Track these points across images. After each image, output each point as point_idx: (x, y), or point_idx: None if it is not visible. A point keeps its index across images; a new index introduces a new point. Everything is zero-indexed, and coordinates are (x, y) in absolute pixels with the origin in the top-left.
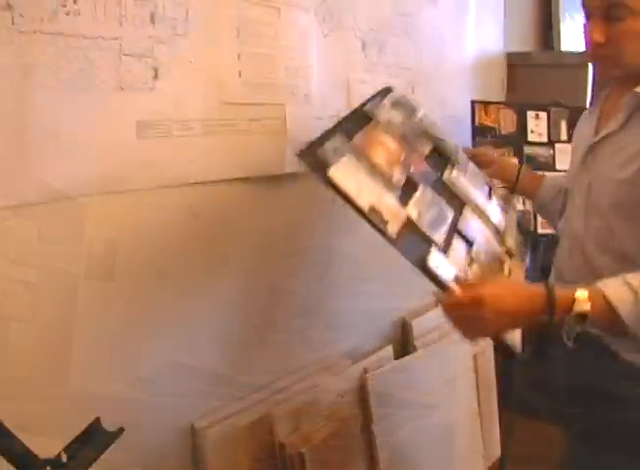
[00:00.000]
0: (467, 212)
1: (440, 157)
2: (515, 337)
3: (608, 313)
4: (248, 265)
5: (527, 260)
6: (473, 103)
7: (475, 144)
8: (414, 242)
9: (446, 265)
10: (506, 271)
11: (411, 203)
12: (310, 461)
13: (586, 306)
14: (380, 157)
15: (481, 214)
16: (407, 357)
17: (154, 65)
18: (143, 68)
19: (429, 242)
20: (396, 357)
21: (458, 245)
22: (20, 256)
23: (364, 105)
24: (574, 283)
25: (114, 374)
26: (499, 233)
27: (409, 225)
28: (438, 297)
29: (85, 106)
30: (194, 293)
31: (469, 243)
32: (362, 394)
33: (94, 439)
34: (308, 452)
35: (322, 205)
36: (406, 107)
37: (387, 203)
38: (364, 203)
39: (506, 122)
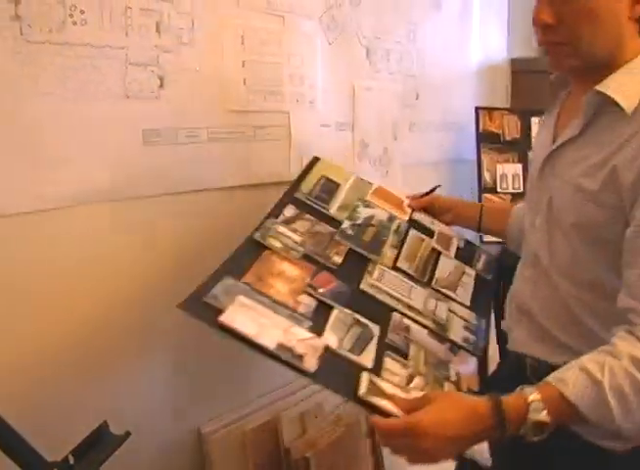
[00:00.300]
0: (396, 319)
1: (360, 258)
2: (480, 450)
3: (568, 412)
4: None
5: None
6: (477, 109)
7: (479, 150)
8: (339, 372)
9: (381, 389)
10: (452, 375)
11: (327, 329)
12: (315, 466)
13: (542, 414)
14: (279, 288)
15: (417, 313)
16: None
17: (159, 73)
18: (149, 76)
19: (356, 368)
20: None
21: (391, 361)
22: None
23: (256, 230)
24: (542, 318)
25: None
26: (442, 326)
27: (330, 354)
28: (374, 422)
29: (92, 114)
30: None
31: (403, 355)
32: None
33: (101, 442)
34: (313, 457)
35: None
36: (321, 198)
37: (297, 336)
38: (269, 342)
39: (510, 128)
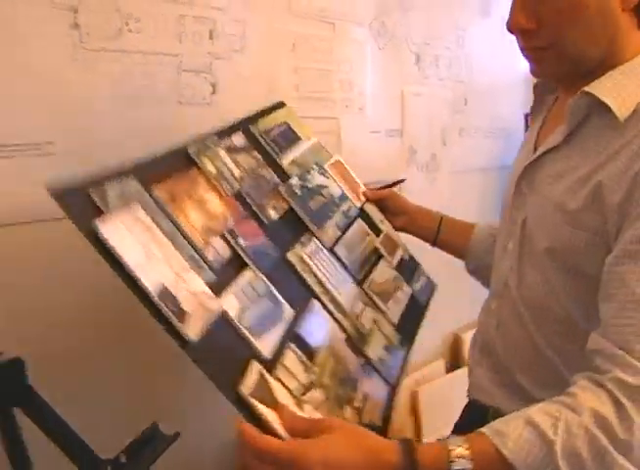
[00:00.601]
0: (315, 309)
1: (298, 223)
2: None
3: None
4: None
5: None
6: (526, 116)
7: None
8: (225, 351)
9: (271, 391)
10: (358, 398)
11: (230, 290)
12: None
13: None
14: (193, 219)
15: (340, 311)
16: (458, 371)
17: (212, 80)
18: (201, 83)
19: (249, 353)
20: (447, 371)
21: (293, 358)
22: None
23: (190, 144)
24: (506, 358)
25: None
26: (362, 337)
27: (222, 324)
28: (244, 431)
29: (145, 119)
30: None
31: (310, 356)
32: (413, 406)
33: (152, 441)
34: None
35: None
36: (277, 143)
37: (189, 286)
38: (150, 280)
39: None
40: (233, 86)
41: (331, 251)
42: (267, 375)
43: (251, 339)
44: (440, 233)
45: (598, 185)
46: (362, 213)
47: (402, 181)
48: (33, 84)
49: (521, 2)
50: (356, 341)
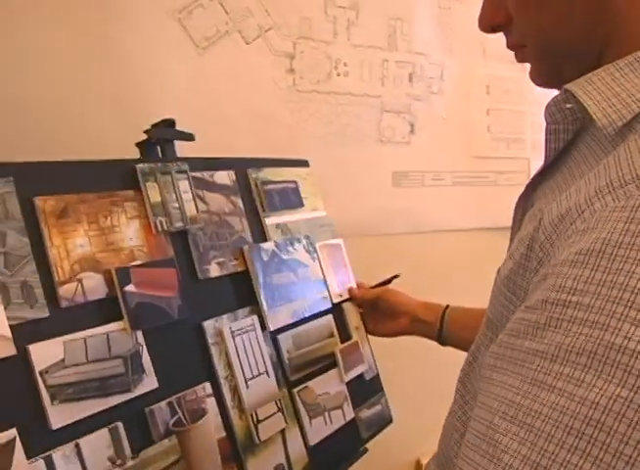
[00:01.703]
0: (200, 393)
1: (244, 292)
2: None
3: None
4: None
5: None
6: None
7: None
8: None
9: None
10: None
11: (62, 338)
12: None
13: None
14: (74, 244)
15: (238, 407)
16: None
17: (410, 120)
18: (401, 123)
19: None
20: None
21: (98, 438)
22: None
23: (144, 163)
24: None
25: None
26: (246, 443)
27: (13, 369)
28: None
29: (350, 156)
30: None
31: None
32: None
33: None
34: None
35: None
36: (271, 199)
37: None
38: None
39: None
40: (430, 126)
41: (273, 337)
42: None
43: (44, 401)
44: (444, 330)
45: (535, 230)
46: (336, 311)
47: (397, 277)
48: (252, 122)
49: None
50: (240, 446)
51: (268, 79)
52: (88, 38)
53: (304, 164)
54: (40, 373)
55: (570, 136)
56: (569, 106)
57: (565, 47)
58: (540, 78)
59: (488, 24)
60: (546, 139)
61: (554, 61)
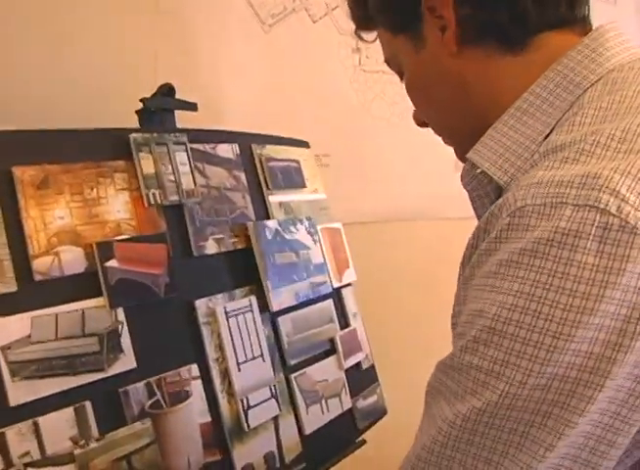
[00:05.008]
0: (184, 373)
1: (243, 270)
2: None
3: None
4: None
5: None
6: None
7: None
8: None
9: None
10: None
11: (30, 313)
12: None
13: None
14: (52, 217)
15: (227, 391)
16: None
17: None
18: None
19: None
20: None
21: (59, 417)
22: None
23: (139, 133)
24: None
25: None
26: (234, 428)
27: None
28: None
29: (414, 139)
30: None
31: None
32: None
33: None
34: None
35: None
36: (274, 176)
37: None
38: None
39: None
40: None
41: (272, 320)
42: None
43: (4, 377)
44: None
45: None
46: (336, 296)
47: None
48: (316, 101)
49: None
50: (228, 432)
51: (334, 59)
52: (158, 16)
53: (305, 144)
54: (2, 349)
55: (494, 197)
56: (479, 171)
57: (453, 129)
58: (458, 157)
59: (421, 124)
60: (473, 207)
61: (452, 140)
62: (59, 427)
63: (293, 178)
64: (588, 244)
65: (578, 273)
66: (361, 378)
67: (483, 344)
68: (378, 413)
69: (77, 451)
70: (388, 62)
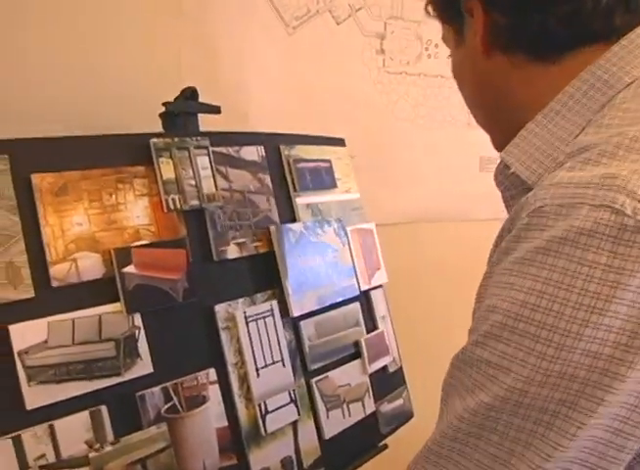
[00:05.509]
0: (202, 379)
1: (265, 275)
2: None
3: None
4: None
5: None
6: None
7: None
8: None
9: None
10: None
11: (46, 319)
12: None
13: None
14: (70, 223)
15: (245, 396)
16: None
17: None
18: None
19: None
20: None
21: (75, 421)
22: None
23: (159, 137)
24: None
25: None
26: (251, 433)
27: None
28: None
29: (438, 139)
30: None
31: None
32: None
33: None
34: None
35: None
36: (302, 178)
37: None
38: None
39: None
40: None
41: (294, 324)
42: None
43: (21, 381)
44: None
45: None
46: (363, 299)
47: None
48: (340, 103)
49: None
50: (245, 437)
51: (358, 60)
52: (182, 19)
53: (340, 142)
54: (19, 353)
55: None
56: (511, 171)
57: (485, 122)
58: (494, 147)
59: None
60: (506, 207)
61: (485, 130)
62: (74, 430)
63: (322, 179)
64: (602, 244)
65: (590, 272)
66: (387, 382)
67: (494, 338)
68: (403, 417)
69: (92, 455)
70: (443, 39)
